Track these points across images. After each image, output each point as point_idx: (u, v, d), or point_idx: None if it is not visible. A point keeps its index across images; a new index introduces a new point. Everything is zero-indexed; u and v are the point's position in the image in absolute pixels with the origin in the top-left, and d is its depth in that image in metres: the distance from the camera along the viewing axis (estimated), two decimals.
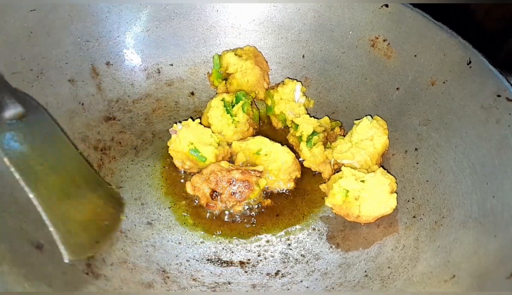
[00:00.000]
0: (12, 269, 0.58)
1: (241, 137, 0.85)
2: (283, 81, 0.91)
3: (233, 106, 0.84)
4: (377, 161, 0.80)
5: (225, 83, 0.93)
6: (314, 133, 0.82)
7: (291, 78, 0.92)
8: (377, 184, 0.73)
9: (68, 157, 0.69)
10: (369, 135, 0.79)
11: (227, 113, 0.84)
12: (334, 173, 0.79)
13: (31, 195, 0.58)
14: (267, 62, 0.95)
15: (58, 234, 0.58)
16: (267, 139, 0.80)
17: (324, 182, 0.80)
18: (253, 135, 0.85)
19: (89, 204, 0.66)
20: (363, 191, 0.73)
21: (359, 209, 0.73)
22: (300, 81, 0.89)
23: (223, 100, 0.84)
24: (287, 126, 0.89)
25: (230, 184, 0.75)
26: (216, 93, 0.93)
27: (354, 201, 0.73)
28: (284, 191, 0.81)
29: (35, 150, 0.61)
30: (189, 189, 0.78)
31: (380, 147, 0.79)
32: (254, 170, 0.77)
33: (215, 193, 0.76)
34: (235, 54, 0.90)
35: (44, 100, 0.79)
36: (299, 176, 0.82)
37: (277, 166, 0.79)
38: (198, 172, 0.79)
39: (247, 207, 0.79)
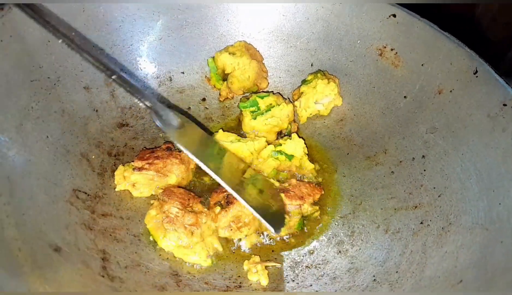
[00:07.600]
0: (33, 271, 0.60)
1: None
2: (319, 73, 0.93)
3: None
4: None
5: (226, 83, 0.94)
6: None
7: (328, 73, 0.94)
8: None
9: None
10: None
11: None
12: None
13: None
14: (258, 51, 0.97)
15: None
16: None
17: None
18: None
19: None
20: None
21: None
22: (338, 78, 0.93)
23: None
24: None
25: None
26: (220, 94, 0.96)
27: None
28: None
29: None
30: None
31: None
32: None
33: None
34: (229, 53, 0.92)
35: (60, 107, 0.82)
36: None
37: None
38: None
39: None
